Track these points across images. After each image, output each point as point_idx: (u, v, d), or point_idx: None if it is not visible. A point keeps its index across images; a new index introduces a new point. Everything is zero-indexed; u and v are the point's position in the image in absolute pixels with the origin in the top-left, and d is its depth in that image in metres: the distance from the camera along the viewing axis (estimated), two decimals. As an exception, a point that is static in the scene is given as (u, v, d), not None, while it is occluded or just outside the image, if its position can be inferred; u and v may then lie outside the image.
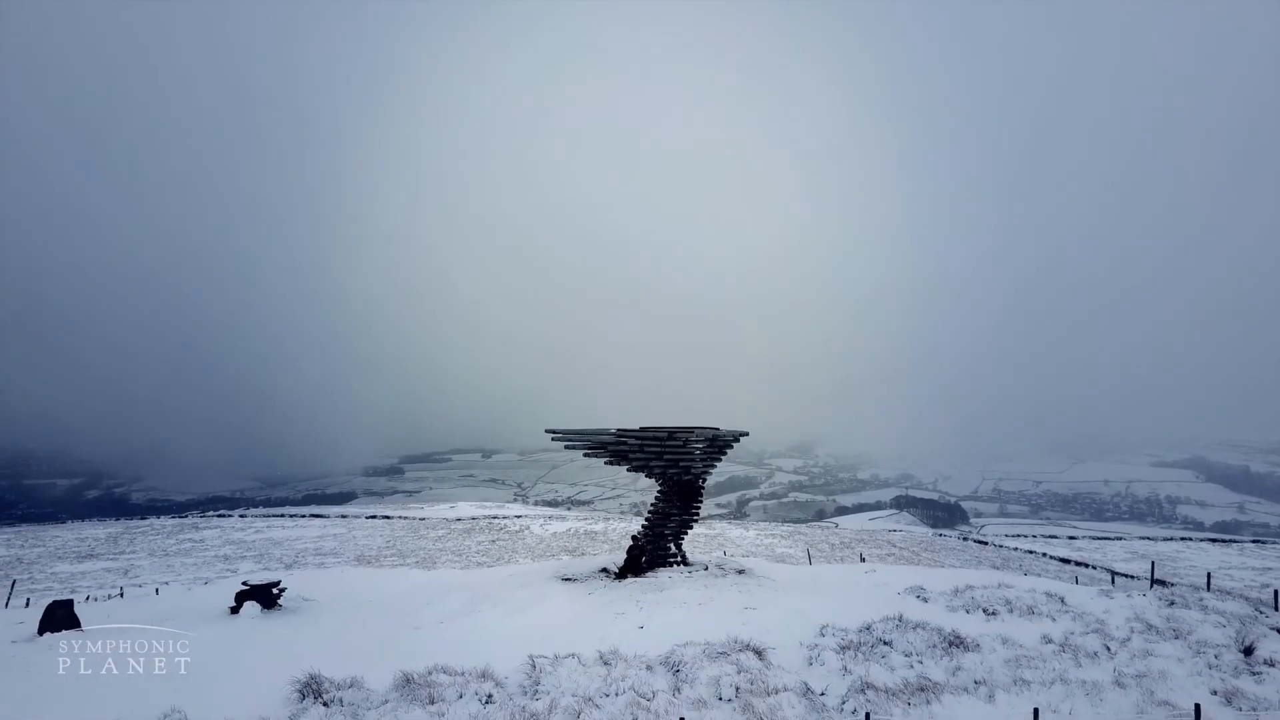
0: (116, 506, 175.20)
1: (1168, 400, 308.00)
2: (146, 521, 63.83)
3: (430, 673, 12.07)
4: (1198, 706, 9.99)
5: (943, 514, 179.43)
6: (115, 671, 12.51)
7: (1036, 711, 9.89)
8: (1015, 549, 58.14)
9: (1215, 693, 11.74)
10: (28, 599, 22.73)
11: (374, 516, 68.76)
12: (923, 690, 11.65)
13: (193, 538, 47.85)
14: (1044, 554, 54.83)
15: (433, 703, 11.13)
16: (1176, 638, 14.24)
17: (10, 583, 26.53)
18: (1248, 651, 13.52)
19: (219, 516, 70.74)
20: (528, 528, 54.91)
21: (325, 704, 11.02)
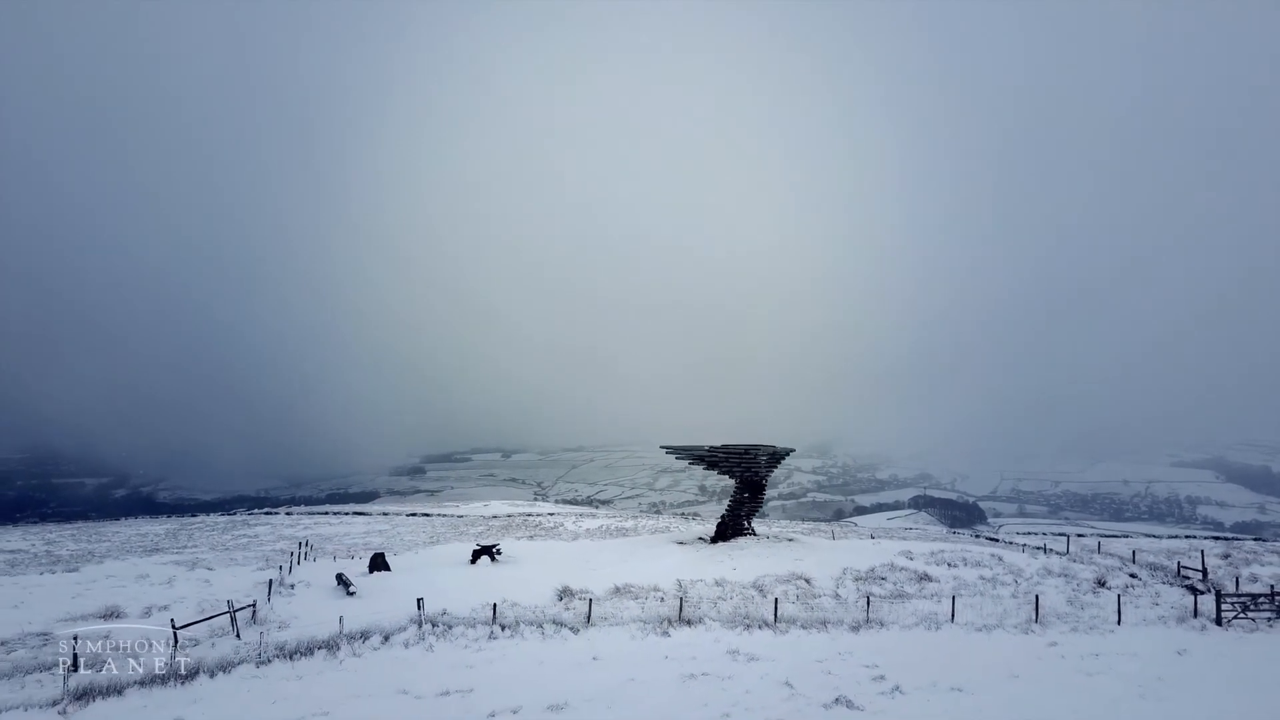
0: (144, 505, 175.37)
1: (1186, 399, 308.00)
2: (197, 519, 66.06)
3: (626, 587, 21.74)
4: (1037, 597, 19.24)
5: (960, 514, 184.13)
6: (438, 583, 22.30)
7: (954, 599, 19.23)
8: (1024, 545, 64.81)
9: (1067, 600, 20.91)
10: (315, 557, 32.19)
11: (414, 514, 71.00)
12: (901, 596, 21.01)
13: (246, 533, 49.25)
14: (1049, 549, 61.59)
15: (635, 599, 20.78)
16: (1062, 576, 23.36)
17: (301, 546, 34.47)
18: (1101, 583, 22.60)
19: (266, 514, 72.88)
20: (562, 525, 56.19)
21: (577, 598, 20.68)
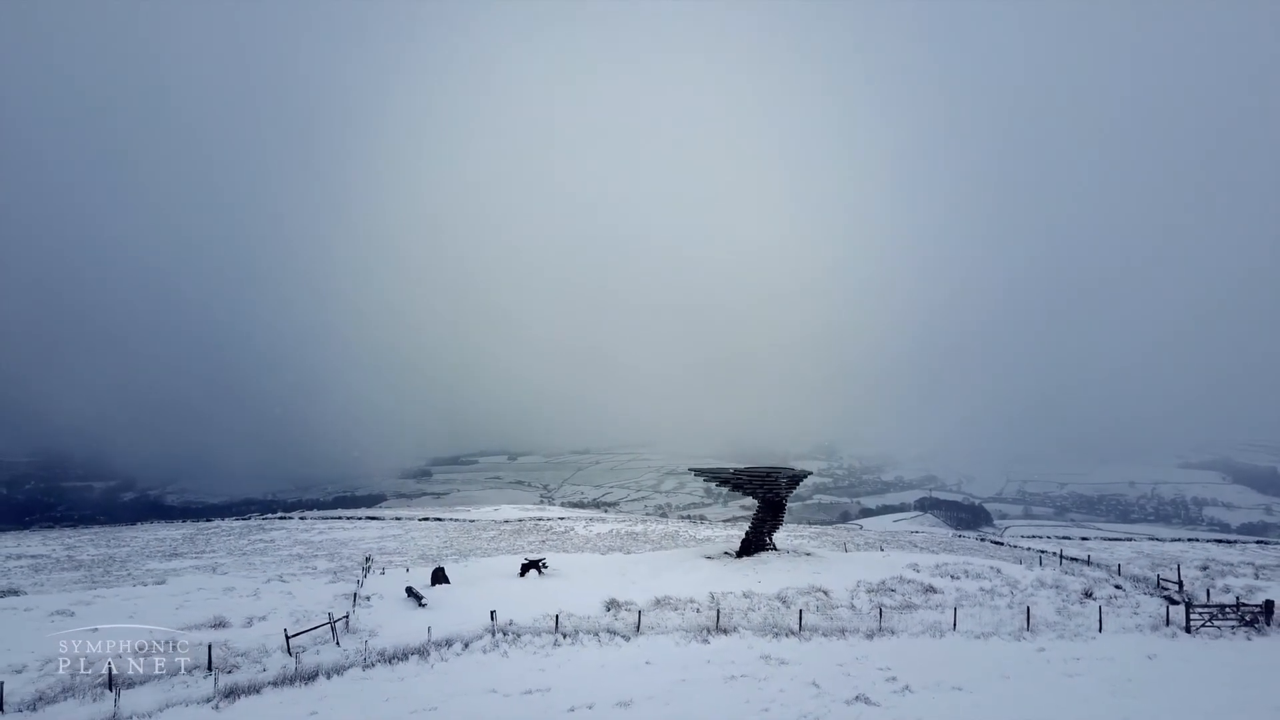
0: (153, 509, 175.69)
1: (1190, 400, 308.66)
2: (212, 523, 66.81)
3: (665, 599, 24.59)
4: (1028, 609, 22.00)
5: (966, 516, 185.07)
6: (497, 595, 25.18)
7: (956, 610, 22.00)
8: (1029, 549, 65.87)
9: (1057, 610, 23.64)
10: (384, 568, 34.35)
11: (425, 519, 71.79)
12: (909, 607, 23.79)
13: (263, 538, 49.67)
14: (1054, 553, 62.81)
15: (675, 610, 23.63)
16: (1054, 588, 26.07)
17: (366, 559, 35.79)
18: (1088, 594, 25.29)
19: (280, 519, 74.51)
20: (572, 529, 57.92)
21: (624, 609, 23.52)
